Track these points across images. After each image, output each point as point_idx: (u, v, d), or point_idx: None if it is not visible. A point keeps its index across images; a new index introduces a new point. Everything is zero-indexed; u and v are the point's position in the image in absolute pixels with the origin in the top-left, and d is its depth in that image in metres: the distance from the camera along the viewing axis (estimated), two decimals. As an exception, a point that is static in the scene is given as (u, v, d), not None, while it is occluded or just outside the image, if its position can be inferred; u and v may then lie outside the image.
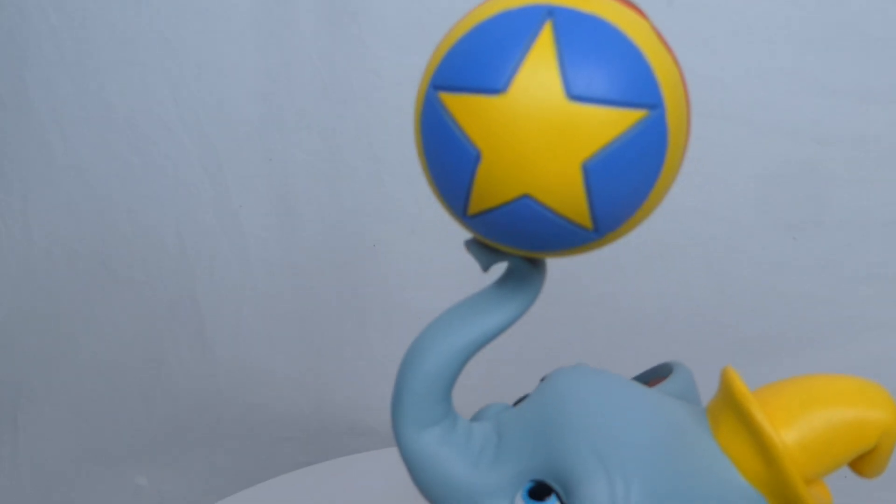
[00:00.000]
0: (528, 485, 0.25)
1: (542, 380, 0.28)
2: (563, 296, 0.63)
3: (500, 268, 0.27)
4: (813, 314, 0.61)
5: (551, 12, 0.21)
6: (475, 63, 0.22)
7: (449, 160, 0.23)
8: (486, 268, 0.26)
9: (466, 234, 0.27)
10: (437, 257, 0.63)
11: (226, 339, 0.69)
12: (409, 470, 0.26)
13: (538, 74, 0.21)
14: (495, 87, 0.21)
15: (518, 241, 0.23)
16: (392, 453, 0.64)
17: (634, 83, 0.21)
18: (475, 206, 0.23)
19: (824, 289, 0.61)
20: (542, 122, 0.20)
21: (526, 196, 0.21)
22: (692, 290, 0.62)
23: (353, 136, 0.62)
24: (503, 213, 0.22)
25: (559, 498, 0.24)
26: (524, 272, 0.26)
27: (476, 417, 0.28)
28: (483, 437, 0.26)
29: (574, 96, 0.20)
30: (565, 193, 0.21)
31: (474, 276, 0.28)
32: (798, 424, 0.24)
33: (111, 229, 0.66)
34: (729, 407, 0.25)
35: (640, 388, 0.26)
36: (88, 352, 0.71)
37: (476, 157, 0.22)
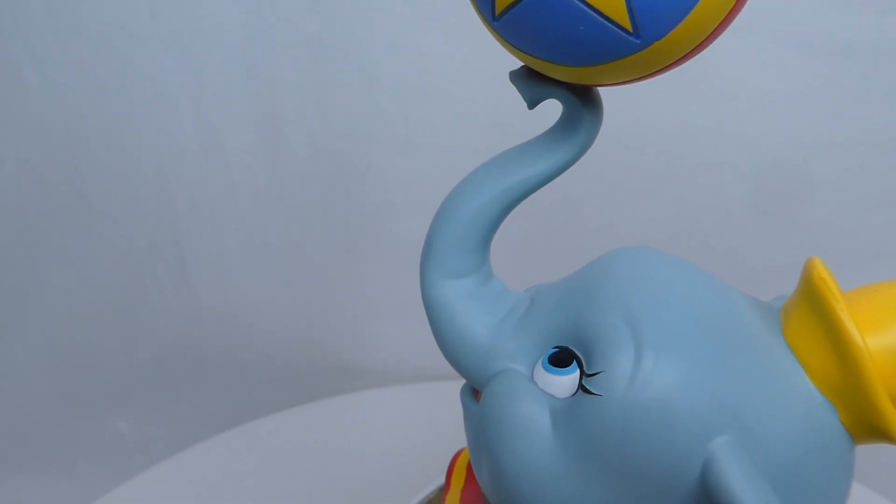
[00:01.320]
0: (550, 351, 0.22)
1: None
2: (563, 226, 0.60)
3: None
4: (825, 242, 0.59)
5: None
6: None
7: None
8: (531, 103, 0.23)
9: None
10: (431, 182, 0.60)
11: (209, 275, 0.65)
12: (429, 320, 0.24)
13: None
14: None
15: (551, 46, 0.20)
16: (383, 394, 0.62)
17: None
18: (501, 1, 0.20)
19: (836, 216, 0.58)
20: None
21: None
22: (698, 216, 0.59)
23: (344, 52, 0.58)
24: (531, 7, 0.19)
25: (580, 366, 0.21)
26: (574, 112, 0.23)
27: None
28: (515, 301, 0.24)
29: None
30: None
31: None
32: (884, 331, 0.20)
33: (86, 156, 0.63)
34: (805, 299, 0.21)
35: (702, 271, 0.23)
36: (63, 290, 0.67)
37: None
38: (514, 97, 0.24)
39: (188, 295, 0.66)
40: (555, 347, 0.22)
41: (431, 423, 0.50)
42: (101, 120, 0.61)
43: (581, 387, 0.20)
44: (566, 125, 0.23)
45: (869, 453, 0.31)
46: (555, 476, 0.20)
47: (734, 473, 0.18)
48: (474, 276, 0.24)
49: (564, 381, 0.21)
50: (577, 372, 0.21)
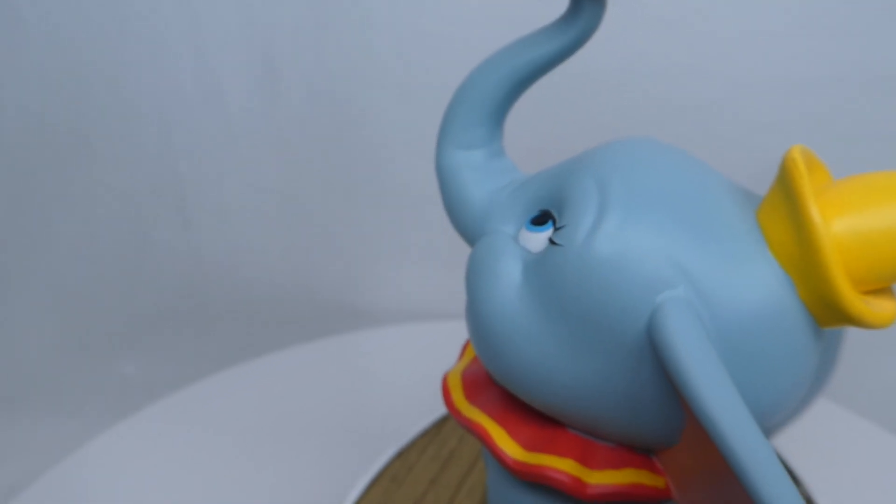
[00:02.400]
0: (534, 213, 0.24)
1: None
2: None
3: None
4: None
5: None
6: None
7: None
8: None
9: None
10: (428, 124, 0.61)
11: (210, 218, 0.67)
12: (439, 187, 0.27)
13: None
14: None
15: None
16: (380, 334, 0.63)
17: None
18: None
19: (818, 150, 0.60)
20: None
21: None
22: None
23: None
24: None
25: (554, 224, 0.23)
26: (575, 1, 0.25)
27: None
28: (518, 176, 0.26)
29: None
30: None
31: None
32: (854, 212, 0.20)
33: (88, 101, 0.64)
34: (777, 180, 0.21)
35: (692, 156, 0.24)
36: (67, 234, 0.68)
37: None
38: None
39: (189, 238, 0.67)
40: (539, 211, 0.24)
41: (428, 361, 0.52)
42: (103, 66, 0.62)
43: (550, 240, 0.22)
44: (568, 14, 0.25)
45: (849, 375, 0.33)
46: (520, 316, 0.22)
47: (675, 322, 0.19)
48: (483, 149, 0.26)
49: (540, 238, 0.23)
50: (552, 228, 0.23)
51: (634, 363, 0.21)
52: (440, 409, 0.43)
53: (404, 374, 0.53)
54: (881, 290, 0.21)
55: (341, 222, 0.66)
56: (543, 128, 0.59)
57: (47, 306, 0.71)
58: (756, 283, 0.20)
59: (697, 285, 0.20)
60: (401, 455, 0.39)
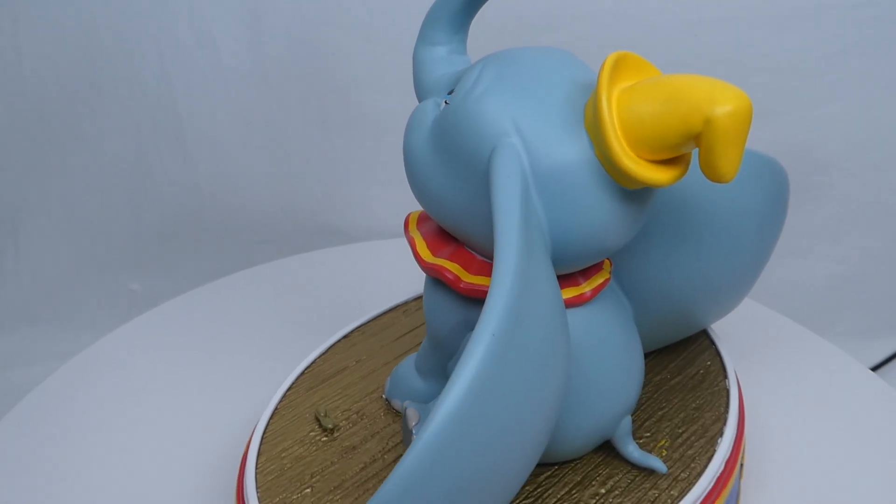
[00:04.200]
0: (451, 87, 0.32)
1: None
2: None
3: None
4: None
5: None
6: None
7: None
8: None
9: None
10: (389, 63, 0.72)
11: (204, 149, 0.77)
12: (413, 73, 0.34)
13: None
14: None
15: None
16: (356, 248, 0.73)
17: None
18: None
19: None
20: None
21: None
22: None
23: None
24: None
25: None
26: None
27: None
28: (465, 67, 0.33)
29: None
30: None
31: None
32: (639, 100, 0.25)
33: (97, 49, 0.74)
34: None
35: (574, 59, 0.30)
36: (80, 166, 0.79)
37: None
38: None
39: (186, 168, 0.78)
40: (453, 87, 0.32)
41: (392, 272, 0.60)
42: (109, 18, 0.73)
43: (444, 101, 0.31)
44: None
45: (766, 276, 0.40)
46: (424, 154, 0.31)
47: (501, 157, 0.26)
48: (445, 46, 0.33)
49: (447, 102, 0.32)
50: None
51: (483, 188, 0.27)
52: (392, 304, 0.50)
53: (371, 282, 0.62)
54: (676, 161, 0.27)
55: (318, 151, 0.76)
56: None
57: (63, 231, 0.81)
58: (566, 143, 0.27)
59: (525, 139, 0.27)
60: (358, 328, 0.47)
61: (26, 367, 0.77)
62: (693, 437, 0.35)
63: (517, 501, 0.33)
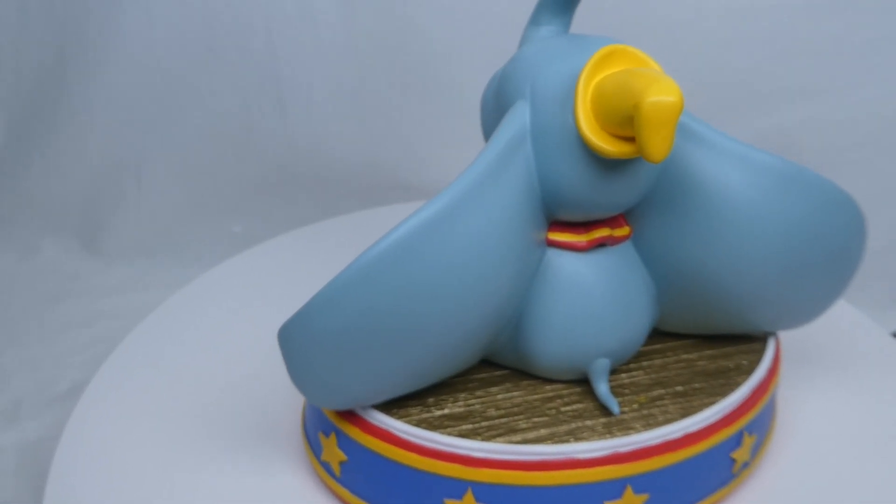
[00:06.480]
0: None
1: None
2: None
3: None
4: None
5: None
6: None
7: None
8: None
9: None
10: (466, 38, 0.81)
11: (301, 110, 0.88)
12: None
13: None
14: None
15: None
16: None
17: None
18: None
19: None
20: None
21: None
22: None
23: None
24: None
25: None
26: None
27: None
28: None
29: None
30: None
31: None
32: (611, 83, 0.29)
33: (214, 20, 0.85)
34: None
35: (591, 44, 0.32)
36: (195, 121, 0.90)
37: None
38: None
39: (285, 126, 0.88)
40: None
41: None
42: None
43: None
44: None
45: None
46: (489, 106, 0.36)
47: (510, 112, 0.31)
48: (547, 27, 0.35)
49: None
50: None
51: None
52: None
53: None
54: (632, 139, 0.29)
55: (398, 115, 0.86)
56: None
57: (177, 175, 0.92)
58: (558, 109, 0.31)
59: (532, 101, 0.31)
60: None
61: (144, 292, 0.89)
62: (668, 402, 0.35)
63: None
